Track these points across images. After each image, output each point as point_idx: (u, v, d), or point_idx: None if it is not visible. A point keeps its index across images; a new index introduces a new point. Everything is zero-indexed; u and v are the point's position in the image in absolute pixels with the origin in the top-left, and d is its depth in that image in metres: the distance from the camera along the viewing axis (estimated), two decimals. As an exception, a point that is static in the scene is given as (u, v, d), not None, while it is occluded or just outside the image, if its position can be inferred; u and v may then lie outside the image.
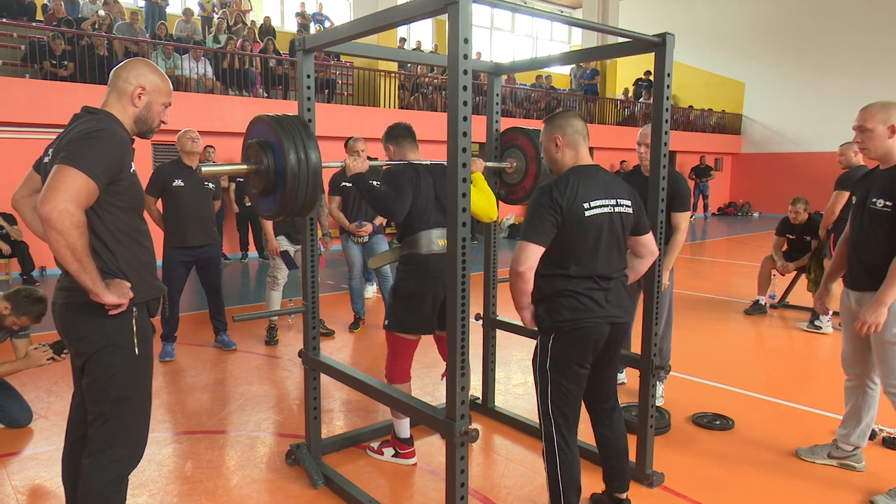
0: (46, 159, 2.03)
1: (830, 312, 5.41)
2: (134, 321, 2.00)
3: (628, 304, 2.50)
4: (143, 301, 2.06)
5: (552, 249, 2.33)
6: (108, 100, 2.07)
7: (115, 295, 1.92)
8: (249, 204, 8.96)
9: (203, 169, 2.29)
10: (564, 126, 2.44)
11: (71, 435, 2.24)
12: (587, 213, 2.32)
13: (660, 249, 2.83)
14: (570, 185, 2.32)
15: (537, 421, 2.50)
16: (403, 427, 3.16)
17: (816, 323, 5.60)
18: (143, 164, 6.30)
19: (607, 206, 2.37)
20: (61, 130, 2.03)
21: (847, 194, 5.21)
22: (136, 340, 2.01)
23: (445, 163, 2.91)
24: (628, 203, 2.45)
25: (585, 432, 2.82)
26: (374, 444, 3.30)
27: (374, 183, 2.97)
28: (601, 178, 2.41)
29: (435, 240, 3.00)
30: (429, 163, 3.07)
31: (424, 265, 2.99)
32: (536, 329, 2.46)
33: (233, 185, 9.39)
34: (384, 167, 3.11)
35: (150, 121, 2.12)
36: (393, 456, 3.19)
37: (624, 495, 2.67)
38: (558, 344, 2.37)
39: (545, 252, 2.33)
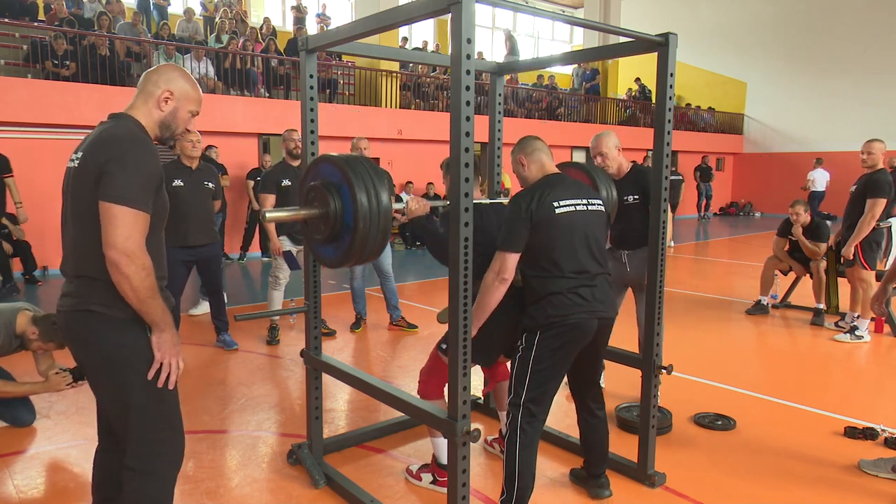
0: (72, 164, 1.95)
1: (869, 319, 5.40)
2: (147, 330, 1.93)
3: (613, 299, 2.64)
4: None
5: (537, 252, 2.46)
6: (135, 103, 2.00)
7: (172, 345, 1.91)
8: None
9: (268, 215, 2.32)
10: (525, 146, 2.66)
11: (103, 442, 2.18)
12: (557, 212, 2.46)
13: (660, 248, 2.84)
14: (536, 190, 2.50)
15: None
16: (444, 450, 2.81)
17: (857, 333, 5.37)
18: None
19: (579, 204, 2.52)
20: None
21: (885, 201, 5.13)
22: (148, 346, 1.93)
23: (506, 201, 2.82)
24: (599, 202, 2.61)
25: (564, 422, 2.83)
26: (413, 468, 3.03)
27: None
28: (568, 182, 2.58)
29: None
30: (488, 202, 2.91)
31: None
32: (524, 327, 2.53)
33: (250, 183, 9.25)
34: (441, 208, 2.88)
35: (174, 127, 2.05)
36: (431, 483, 2.93)
37: (602, 477, 2.84)
38: (547, 339, 2.45)
39: (533, 257, 2.46)
